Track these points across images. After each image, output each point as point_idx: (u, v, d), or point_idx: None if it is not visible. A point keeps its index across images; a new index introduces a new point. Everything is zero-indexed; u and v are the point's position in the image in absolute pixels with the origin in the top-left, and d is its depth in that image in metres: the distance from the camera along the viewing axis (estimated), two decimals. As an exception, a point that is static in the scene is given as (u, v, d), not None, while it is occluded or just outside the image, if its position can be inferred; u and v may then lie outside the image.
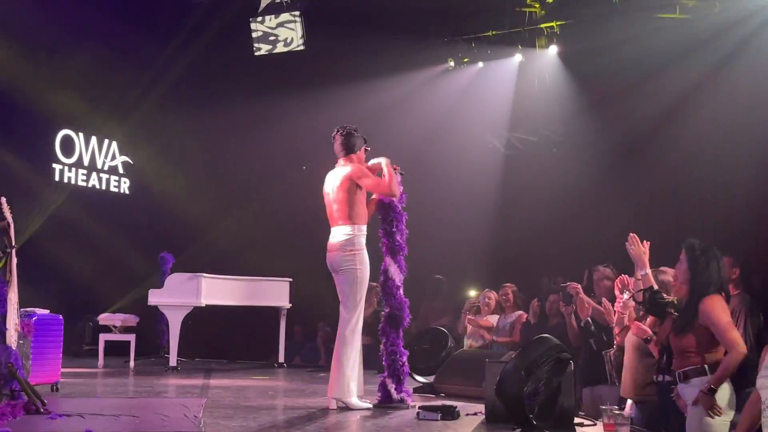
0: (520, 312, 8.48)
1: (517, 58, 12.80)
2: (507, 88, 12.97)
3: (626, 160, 12.00)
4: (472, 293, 9.94)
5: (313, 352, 12.44)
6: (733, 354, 4.56)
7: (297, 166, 12.79)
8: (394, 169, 6.46)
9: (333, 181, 6.36)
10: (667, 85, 11.91)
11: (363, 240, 6.27)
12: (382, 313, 6.44)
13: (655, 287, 5.01)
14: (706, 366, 4.66)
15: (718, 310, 4.67)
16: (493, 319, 8.75)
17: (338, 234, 6.26)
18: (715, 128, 11.44)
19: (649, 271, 5.10)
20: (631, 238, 5.18)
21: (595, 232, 11.89)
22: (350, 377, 6.14)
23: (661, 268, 5.55)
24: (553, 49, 12.36)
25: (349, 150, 6.43)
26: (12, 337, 5.86)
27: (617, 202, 11.78)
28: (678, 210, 11.66)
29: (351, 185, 6.25)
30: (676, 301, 5.02)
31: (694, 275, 4.79)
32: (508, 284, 8.84)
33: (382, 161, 6.41)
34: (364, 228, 6.30)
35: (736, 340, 4.61)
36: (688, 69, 11.53)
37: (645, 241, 5.19)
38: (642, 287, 5.10)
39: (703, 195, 11.49)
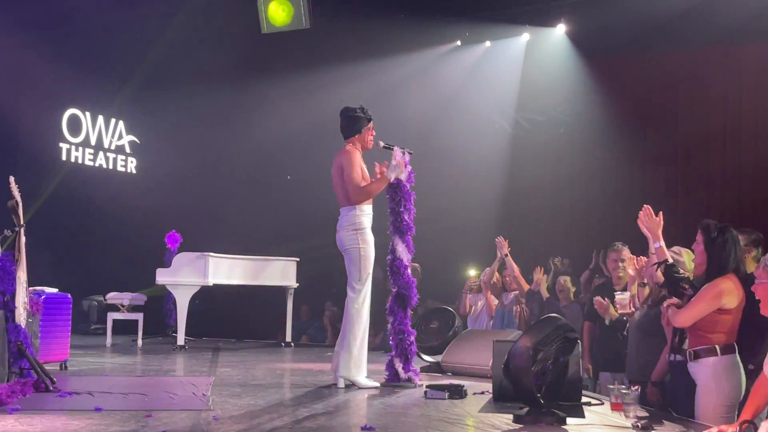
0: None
1: (525, 37, 12.72)
2: (514, 68, 12.91)
3: (635, 139, 11.95)
4: (472, 273, 9.95)
5: (319, 332, 12.48)
6: (682, 321, 4.75)
7: (305, 146, 12.73)
8: (403, 150, 6.44)
9: (334, 165, 6.39)
10: (677, 63, 11.86)
11: (366, 219, 6.28)
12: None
13: (670, 261, 4.99)
14: (717, 346, 4.65)
15: (708, 295, 4.66)
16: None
17: (342, 214, 6.30)
18: (726, 105, 11.40)
19: (663, 243, 5.08)
20: (645, 209, 5.15)
21: (603, 213, 11.90)
22: (357, 356, 6.16)
23: (673, 248, 5.53)
24: (561, 28, 12.29)
25: (350, 132, 6.44)
26: (21, 316, 5.89)
27: (625, 181, 11.75)
28: (688, 189, 11.65)
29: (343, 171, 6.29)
30: (691, 278, 5.01)
31: (710, 256, 4.77)
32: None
33: (391, 170, 6.33)
34: (367, 208, 6.31)
35: (685, 317, 4.71)
36: (698, 46, 11.47)
37: (659, 213, 5.16)
38: (657, 261, 5.08)
39: (714, 174, 11.46)
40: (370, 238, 6.27)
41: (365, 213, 6.28)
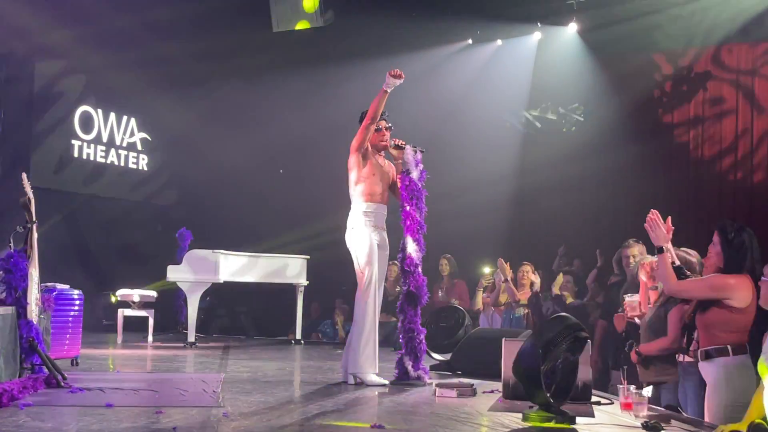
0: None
1: (536, 35, 12.69)
2: (526, 66, 12.87)
3: (645, 138, 11.90)
4: (487, 270, 9.97)
5: (330, 329, 12.49)
6: (674, 286, 4.82)
7: (316, 144, 12.74)
8: (414, 149, 6.46)
9: None
10: (689, 61, 11.81)
11: (362, 218, 6.34)
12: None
13: (677, 263, 4.97)
14: (728, 346, 4.63)
15: (711, 282, 4.67)
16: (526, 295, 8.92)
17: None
18: (740, 104, 11.33)
19: (670, 246, 5.03)
20: (652, 214, 5.07)
21: (614, 212, 11.86)
22: (365, 352, 6.17)
23: (683, 249, 5.50)
24: (572, 27, 12.25)
25: None
26: (33, 312, 5.92)
27: (637, 181, 11.71)
28: (700, 189, 11.58)
29: (351, 163, 6.40)
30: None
31: (727, 256, 4.74)
32: (526, 263, 9.05)
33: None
34: (366, 205, 6.37)
35: (678, 288, 4.82)
36: (710, 44, 11.42)
37: (668, 218, 5.10)
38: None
39: (726, 174, 11.39)
40: (366, 235, 6.31)
41: (362, 210, 6.35)
